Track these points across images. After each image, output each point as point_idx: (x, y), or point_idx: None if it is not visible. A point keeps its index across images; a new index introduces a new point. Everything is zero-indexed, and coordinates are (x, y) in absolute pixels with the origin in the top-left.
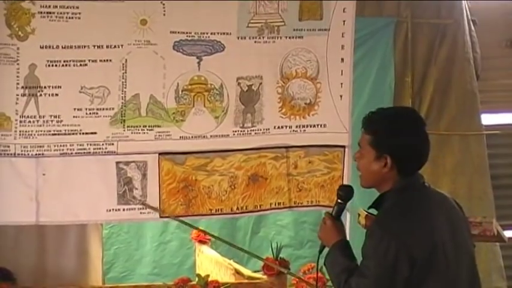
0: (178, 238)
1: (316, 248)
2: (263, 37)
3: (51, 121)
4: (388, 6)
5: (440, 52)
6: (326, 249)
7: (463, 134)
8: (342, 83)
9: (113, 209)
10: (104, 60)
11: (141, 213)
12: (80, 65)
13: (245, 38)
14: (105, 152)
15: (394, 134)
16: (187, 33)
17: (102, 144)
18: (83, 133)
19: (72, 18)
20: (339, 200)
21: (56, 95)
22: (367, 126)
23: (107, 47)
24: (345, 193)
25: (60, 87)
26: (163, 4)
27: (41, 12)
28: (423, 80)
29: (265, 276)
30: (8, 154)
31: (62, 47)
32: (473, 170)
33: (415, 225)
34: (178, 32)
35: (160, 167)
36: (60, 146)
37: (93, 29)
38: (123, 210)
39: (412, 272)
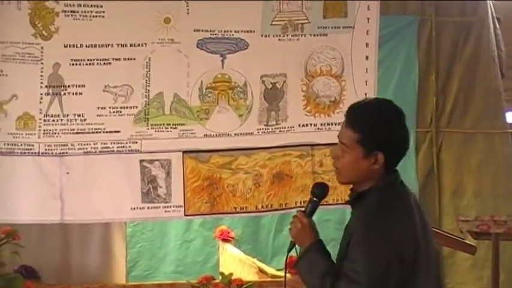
0: (201, 236)
1: None
2: (287, 35)
3: (75, 120)
4: (412, 4)
5: (464, 50)
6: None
7: (488, 132)
8: (366, 81)
9: (137, 208)
10: (128, 59)
11: (165, 211)
12: (104, 63)
13: (269, 35)
14: (128, 150)
15: (384, 130)
16: (211, 31)
17: (126, 143)
18: (106, 132)
19: (96, 17)
20: (314, 198)
21: (80, 93)
22: (352, 124)
23: (131, 45)
24: (320, 190)
25: (84, 86)
26: (187, 3)
27: (65, 11)
28: (447, 78)
29: (289, 275)
30: (32, 153)
31: (86, 46)
32: (498, 169)
33: (401, 224)
34: (202, 30)
35: (185, 165)
36: (84, 144)
37: (117, 27)
38: (148, 208)
39: (402, 272)
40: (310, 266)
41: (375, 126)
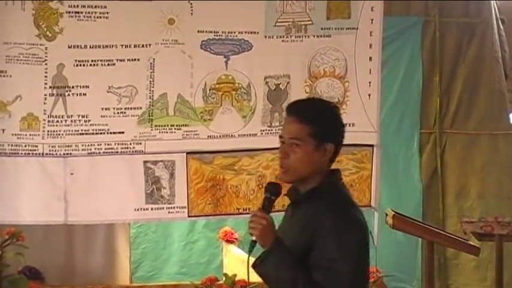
0: (205, 237)
1: None
2: (291, 36)
3: (79, 121)
4: (416, 5)
5: (468, 51)
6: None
7: (492, 134)
8: (370, 82)
9: (141, 209)
10: (132, 60)
11: (169, 212)
12: (108, 64)
13: (273, 37)
14: (132, 151)
15: (332, 121)
16: (214, 32)
17: (130, 144)
18: (110, 133)
19: (100, 17)
20: (272, 197)
21: (84, 94)
22: (302, 118)
23: (135, 46)
24: (275, 188)
25: (88, 86)
26: (191, 3)
27: (69, 12)
28: (451, 79)
29: None
30: (36, 154)
31: (90, 47)
32: (502, 170)
33: (360, 212)
34: (206, 31)
35: (188, 166)
36: (88, 145)
37: (121, 28)
38: (151, 209)
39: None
40: (279, 262)
41: (324, 118)
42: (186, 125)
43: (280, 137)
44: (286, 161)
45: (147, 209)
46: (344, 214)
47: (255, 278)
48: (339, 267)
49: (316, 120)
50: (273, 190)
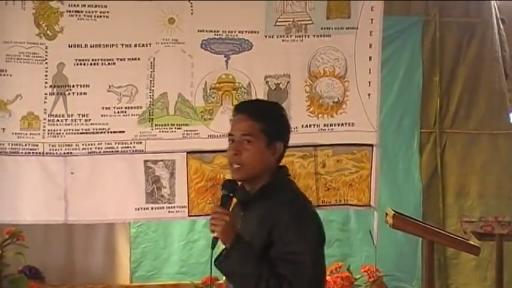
0: (205, 237)
1: (344, 247)
2: (291, 36)
3: (80, 120)
4: (416, 5)
5: (468, 51)
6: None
7: (492, 133)
8: (370, 82)
9: (141, 208)
10: (132, 59)
11: (169, 211)
12: (108, 63)
13: (273, 36)
14: (133, 150)
15: (283, 120)
16: (215, 31)
17: (130, 143)
18: (111, 132)
19: (100, 17)
20: (231, 194)
21: (84, 93)
22: (255, 115)
23: (135, 45)
24: (231, 184)
25: (89, 86)
26: (191, 3)
27: (70, 11)
28: (451, 79)
29: None
30: (36, 153)
31: (90, 46)
32: (502, 169)
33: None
34: (206, 31)
35: (189, 166)
36: (89, 144)
37: (121, 27)
38: (152, 209)
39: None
40: (242, 257)
41: (274, 116)
42: (186, 125)
43: (230, 135)
44: (239, 158)
45: (147, 208)
46: (301, 207)
47: None
48: (302, 259)
49: (267, 118)
50: (230, 187)
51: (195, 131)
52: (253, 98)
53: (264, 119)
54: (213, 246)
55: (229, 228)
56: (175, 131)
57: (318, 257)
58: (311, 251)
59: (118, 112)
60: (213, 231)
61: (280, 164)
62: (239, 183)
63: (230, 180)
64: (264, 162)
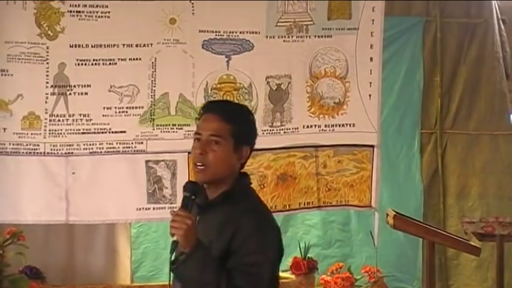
0: None
1: (345, 248)
2: (292, 36)
3: (81, 120)
4: (417, 5)
5: (469, 51)
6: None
7: (493, 134)
8: (370, 82)
9: (142, 208)
10: (133, 59)
11: (171, 212)
12: (110, 63)
13: (274, 37)
14: (134, 151)
15: (251, 124)
16: (216, 32)
17: (132, 143)
18: (112, 132)
19: (101, 17)
20: (193, 196)
21: (86, 93)
22: (225, 116)
23: (136, 45)
24: (194, 186)
25: (90, 86)
26: (192, 3)
27: (71, 11)
28: (452, 80)
29: (293, 276)
30: (37, 153)
31: (92, 46)
32: (503, 170)
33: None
34: (207, 31)
35: (190, 166)
36: (90, 144)
37: (123, 27)
38: (153, 209)
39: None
40: (202, 263)
41: (245, 120)
42: (187, 125)
43: (198, 133)
44: (204, 159)
45: (148, 208)
46: (265, 218)
47: None
48: (261, 271)
49: (238, 121)
50: (193, 189)
51: None
52: (255, 98)
53: (235, 121)
54: (173, 251)
55: (190, 232)
56: (176, 131)
57: (276, 270)
58: (271, 263)
59: (119, 112)
60: (173, 235)
61: (243, 169)
62: (204, 185)
63: (193, 182)
64: (229, 166)
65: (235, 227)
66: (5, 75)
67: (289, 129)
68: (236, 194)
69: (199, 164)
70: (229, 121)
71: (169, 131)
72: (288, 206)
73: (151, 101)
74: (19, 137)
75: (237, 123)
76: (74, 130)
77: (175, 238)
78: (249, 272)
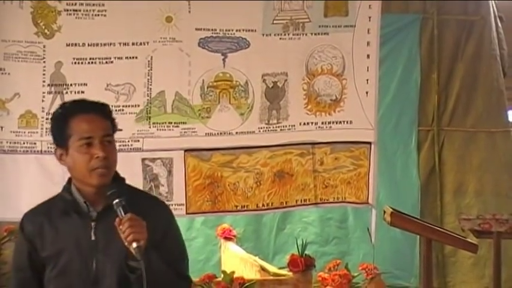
0: (203, 235)
1: (342, 245)
2: (288, 34)
3: None
4: (414, 3)
5: (466, 49)
6: None
7: (490, 131)
8: (367, 80)
9: None
10: (130, 58)
11: None
12: (106, 62)
13: (270, 34)
14: (130, 148)
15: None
16: (212, 30)
17: (128, 141)
18: None
19: (98, 15)
20: (123, 202)
21: (82, 92)
22: (106, 112)
23: (133, 44)
24: (117, 191)
25: (86, 84)
26: (189, 2)
27: (67, 10)
28: (449, 77)
29: (290, 273)
30: (34, 151)
31: (88, 45)
32: (500, 167)
33: None
34: (204, 29)
35: (186, 164)
36: None
37: (119, 26)
38: None
39: None
40: (157, 257)
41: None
42: (184, 123)
43: (87, 137)
44: (108, 161)
45: None
46: (165, 204)
47: (252, 275)
48: (184, 257)
49: (112, 118)
50: (118, 193)
51: (192, 129)
52: (251, 96)
53: (111, 118)
54: (142, 254)
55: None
56: (172, 129)
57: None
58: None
59: (116, 110)
60: (138, 240)
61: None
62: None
63: (112, 187)
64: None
65: (154, 222)
66: (2, 73)
67: (286, 126)
68: (124, 192)
69: (103, 168)
70: (109, 118)
71: (165, 129)
72: (285, 203)
73: (148, 99)
74: (16, 135)
75: (113, 120)
76: None
77: (140, 243)
78: (181, 258)
